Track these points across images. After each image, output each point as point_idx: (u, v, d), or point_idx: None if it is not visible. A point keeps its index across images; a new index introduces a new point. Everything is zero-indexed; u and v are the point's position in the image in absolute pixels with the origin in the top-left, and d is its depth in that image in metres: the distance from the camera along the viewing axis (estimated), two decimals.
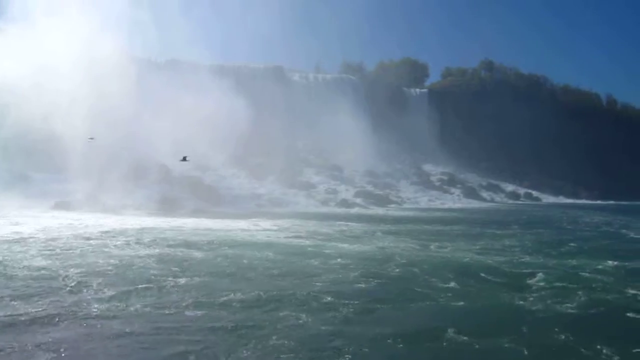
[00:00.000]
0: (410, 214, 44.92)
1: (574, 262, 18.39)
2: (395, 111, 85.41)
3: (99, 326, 9.93)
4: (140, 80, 49.58)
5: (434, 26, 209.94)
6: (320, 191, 57.11)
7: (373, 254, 19.58)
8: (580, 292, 13.42)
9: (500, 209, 55.71)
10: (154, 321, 10.32)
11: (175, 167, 49.10)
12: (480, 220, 38.09)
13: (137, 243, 20.79)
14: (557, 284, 14.50)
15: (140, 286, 13.05)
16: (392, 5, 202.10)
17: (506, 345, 9.57)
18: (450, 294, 13.15)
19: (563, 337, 9.97)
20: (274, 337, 9.52)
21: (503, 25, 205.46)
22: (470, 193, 71.76)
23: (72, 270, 14.71)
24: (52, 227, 25.68)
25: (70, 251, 18.21)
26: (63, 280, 13.56)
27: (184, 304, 11.50)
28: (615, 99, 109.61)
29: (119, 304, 11.34)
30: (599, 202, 76.73)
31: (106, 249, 18.97)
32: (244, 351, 8.94)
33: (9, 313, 10.46)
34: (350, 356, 8.88)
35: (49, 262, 15.96)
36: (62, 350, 8.76)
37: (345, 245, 21.44)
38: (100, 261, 16.30)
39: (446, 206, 59.70)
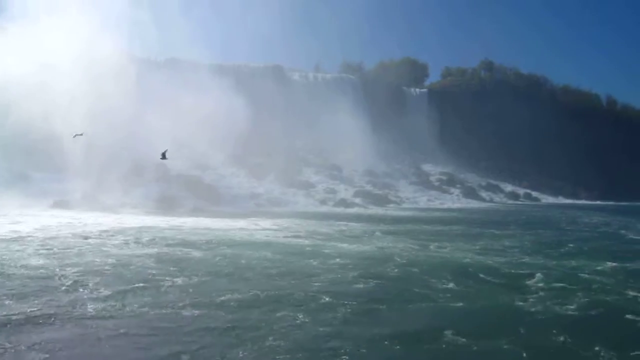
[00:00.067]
0: (409, 214, 44.88)
1: (573, 263, 18.34)
2: (394, 111, 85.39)
3: (94, 326, 9.86)
4: (139, 79, 49.55)
5: (434, 26, 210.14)
6: (319, 191, 57.08)
7: (372, 254, 19.53)
8: (579, 294, 13.37)
9: (499, 209, 55.69)
10: (149, 321, 10.26)
11: (174, 166, 49.05)
12: (480, 221, 38.06)
13: (135, 242, 20.76)
14: (556, 285, 14.46)
15: (137, 286, 12.98)
16: (391, 5, 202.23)
17: (505, 347, 9.51)
18: (449, 295, 13.09)
19: (562, 339, 9.91)
20: (270, 338, 9.45)
21: (503, 25, 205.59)
22: (470, 193, 71.72)
23: (69, 269, 14.65)
24: (50, 226, 25.65)
25: (68, 250, 18.16)
26: (59, 279, 13.50)
27: (180, 304, 11.43)
28: (615, 99, 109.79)
29: (115, 304, 11.27)
30: (598, 202, 76.75)
31: (104, 248, 18.92)
32: (240, 352, 8.87)
33: (3, 313, 10.38)
34: (347, 357, 8.81)
35: (46, 261, 15.91)
36: (55, 350, 8.68)
37: (344, 245, 21.39)
38: (98, 260, 16.25)
39: (445, 206, 59.67)
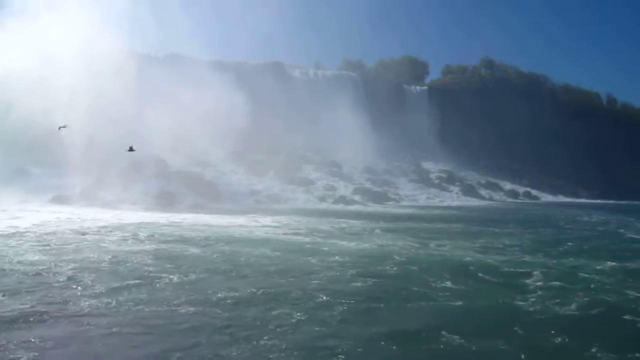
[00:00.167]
0: (409, 211, 44.83)
1: (572, 262, 18.27)
2: (395, 108, 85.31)
3: (86, 324, 9.75)
4: (139, 75, 49.47)
5: (435, 24, 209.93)
6: (318, 187, 57.04)
7: (371, 251, 19.45)
8: (578, 293, 13.29)
9: (499, 208, 55.62)
10: (143, 319, 10.16)
11: (173, 162, 49.03)
12: (479, 219, 38.00)
13: (133, 238, 20.71)
14: (556, 284, 14.37)
15: (132, 283, 12.88)
16: (392, 3, 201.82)
17: (503, 347, 9.42)
18: (448, 294, 13.00)
19: (560, 339, 9.81)
20: (265, 337, 9.34)
21: (503, 24, 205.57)
22: (469, 191, 71.64)
23: (64, 265, 14.57)
24: (49, 221, 25.64)
25: (65, 246, 18.11)
26: (54, 275, 13.41)
27: (176, 302, 11.32)
28: (615, 98, 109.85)
29: (109, 301, 11.16)
30: (598, 201, 76.65)
31: (102, 244, 18.87)
32: (234, 351, 8.76)
33: None
34: (343, 356, 8.71)
35: (43, 257, 15.84)
36: (47, 348, 8.58)
37: (344, 243, 21.31)
38: (95, 256, 16.17)
39: (445, 204, 59.62)
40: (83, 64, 42.85)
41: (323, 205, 48.22)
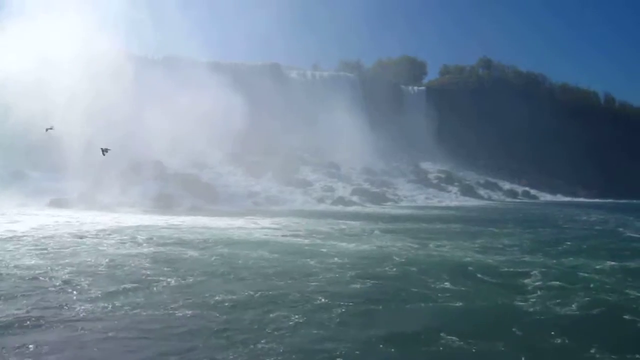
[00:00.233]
0: (408, 212, 44.79)
1: (571, 261, 18.24)
2: (393, 109, 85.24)
3: (82, 328, 9.65)
4: (137, 77, 49.40)
5: (432, 24, 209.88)
6: (316, 189, 56.94)
7: (370, 253, 19.40)
8: (578, 293, 13.24)
9: (497, 207, 55.58)
10: (140, 323, 10.07)
11: (171, 164, 48.94)
12: (478, 219, 37.97)
13: (131, 241, 20.63)
14: (555, 284, 14.33)
15: (129, 286, 12.80)
16: (390, 3, 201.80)
17: (503, 349, 9.35)
18: (447, 295, 12.94)
19: (559, 340, 9.75)
20: (263, 340, 9.26)
21: (501, 23, 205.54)
22: (468, 191, 71.61)
23: (61, 269, 14.48)
24: (47, 225, 25.56)
25: (63, 250, 18.02)
26: (51, 279, 13.32)
27: (173, 305, 11.24)
28: (613, 97, 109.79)
29: (105, 305, 11.07)
30: (597, 200, 76.65)
31: (99, 248, 18.78)
32: (230, 354, 8.68)
33: None
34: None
35: (40, 261, 15.76)
36: (41, 354, 8.49)
37: (343, 244, 21.25)
38: (92, 260, 16.08)
39: (443, 204, 59.54)
40: (80, 66, 42.75)
41: (321, 207, 48.16)
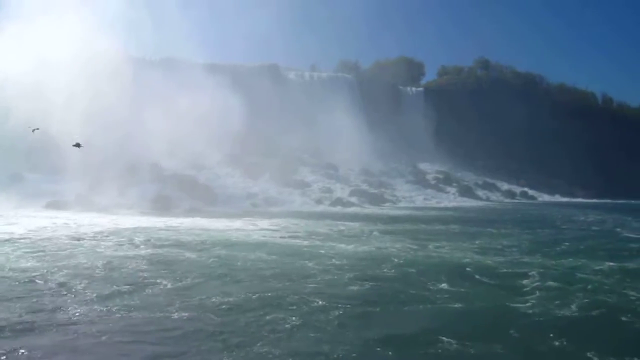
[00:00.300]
0: (406, 212, 44.73)
1: (570, 262, 18.18)
2: (391, 110, 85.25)
3: (75, 332, 9.54)
4: (135, 78, 49.41)
5: (430, 24, 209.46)
6: (315, 190, 56.88)
7: (369, 254, 19.33)
8: (576, 294, 13.20)
9: (496, 208, 55.56)
10: (134, 326, 9.97)
11: (169, 166, 48.90)
12: (477, 220, 37.94)
13: (129, 243, 20.56)
14: (554, 285, 14.27)
15: (125, 289, 12.72)
16: (388, 4, 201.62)
17: (501, 351, 9.29)
18: (446, 296, 12.88)
19: (558, 342, 9.68)
20: (258, 344, 9.17)
21: (499, 23, 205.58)
22: (466, 192, 71.61)
23: (58, 272, 14.38)
24: (44, 227, 25.49)
25: (60, 252, 17.94)
26: (46, 282, 13.22)
27: (168, 308, 11.15)
28: (611, 97, 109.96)
29: (100, 308, 10.98)
30: (595, 200, 76.69)
31: (96, 250, 18.71)
32: (225, 358, 8.60)
33: None
34: None
35: (36, 263, 15.67)
36: (33, 359, 8.39)
37: (341, 246, 21.16)
38: (89, 262, 15.99)
39: (442, 205, 59.51)
40: (78, 67, 42.75)
41: (320, 208, 48.10)
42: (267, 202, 48.15)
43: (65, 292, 12.30)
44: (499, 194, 76.09)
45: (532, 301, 12.54)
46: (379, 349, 9.23)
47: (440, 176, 76.54)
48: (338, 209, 47.86)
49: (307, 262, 17.08)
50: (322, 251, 19.53)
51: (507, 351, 9.33)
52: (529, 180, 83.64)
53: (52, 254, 17.40)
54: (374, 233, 26.45)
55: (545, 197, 79.03)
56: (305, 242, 22.13)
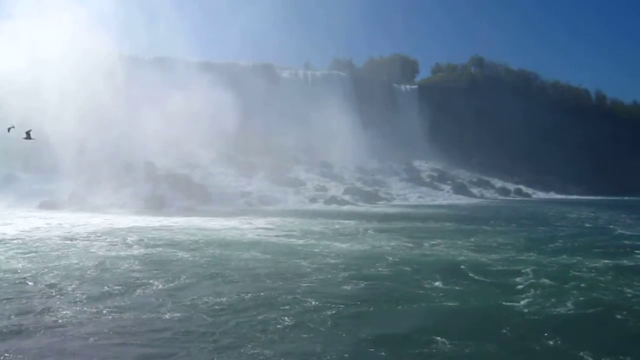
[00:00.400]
0: (401, 210, 44.66)
1: (564, 260, 18.15)
2: (385, 107, 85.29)
3: (63, 334, 9.39)
4: (129, 77, 49.28)
5: (424, 22, 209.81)
6: (309, 188, 56.81)
7: (364, 252, 19.27)
8: (571, 292, 13.16)
9: (490, 206, 55.57)
10: (124, 327, 9.84)
11: (163, 165, 48.72)
12: (471, 217, 37.92)
13: (122, 243, 20.43)
14: (549, 282, 14.21)
15: (116, 289, 12.58)
16: (382, 2, 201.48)
17: (494, 351, 9.19)
18: (441, 294, 12.80)
19: (552, 341, 9.60)
20: (250, 344, 9.05)
21: (493, 21, 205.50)
22: (461, 189, 71.65)
23: (48, 273, 14.25)
24: (38, 227, 25.37)
25: (52, 253, 17.78)
26: (36, 284, 13.07)
27: (159, 308, 11.03)
28: (604, 95, 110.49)
29: (90, 310, 10.84)
30: (588, 197, 76.92)
31: (89, 250, 18.57)
32: (215, 359, 8.51)
33: None
34: None
35: (28, 264, 15.50)
36: None
37: (336, 244, 21.10)
38: (80, 263, 15.84)
39: (436, 203, 59.50)
40: (72, 67, 42.58)
41: (314, 206, 48.01)
42: (261, 201, 48.04)
43: (55, 294, 12.16)
44: (493, 192, 76.20)
45: (527, 299, 12.49)
46: (372, 349, 9.12)
47: (435, 174, 76.59)
48: (332, 207, 47.79)
49: (301, 261, 16.99)
50: (317, 250, 19.46)
51: (502, 350, 9.26)
52: (523, 177, 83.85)
53: (44, 255, 17.23)
54: (369, 231, 26.38)
55: (539, 194, 79.22)
56: (300, 241, 22.03)
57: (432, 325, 10.45)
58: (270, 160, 59.30)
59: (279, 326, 10.09)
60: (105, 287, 12.76)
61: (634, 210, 49.00)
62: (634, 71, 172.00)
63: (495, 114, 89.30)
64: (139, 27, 64.42)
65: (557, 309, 11.74)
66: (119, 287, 12.84)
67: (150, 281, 13.49)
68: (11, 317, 10.24)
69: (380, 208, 48.25)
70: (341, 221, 31.70)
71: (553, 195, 79.57)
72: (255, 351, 8.79)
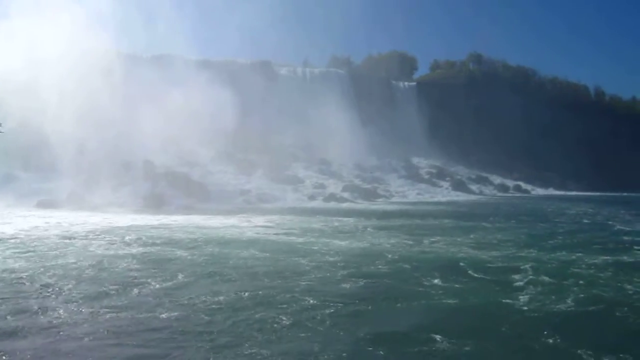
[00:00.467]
0: (400, 207, 44.62)
1: (564, 256, 18.12)
2: (384, 104, 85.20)
3: (58, 334, 9.30)
4: (127, 75, 49.28)
5: (422, 18, 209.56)
6: (307, 186, 56.74)
7: (363, 250, 19.19)
8: (571, 289, 13.12)
9: (489, 202, 55.52)
10: (120, 327, 9.75)
11: (162, 163, 48.64)
12: (470, 214, 37.90)
13: (120, 242, 20.34)
14: (549, 279, 14.16)
15: (113, 288, 12.50)
16: None
17: (494, 348, 9.14)
18: (441, 292, 12.72)
19: (552, 339, 9.53)
20: (247, 344, 8.98)
21: (491, 17, 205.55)
22: (459, 186, 71.62)
23: (46, 272, 14.15)
24: (36, 226, 25.25)
25: (50, 252, 17.68)
26: (33, 283, 12.97)
27: (156, 308, 10.94)
28: (603, 90, 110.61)
29: (86, 309, 10.74)
30: (587, 193, 77.02)
31: (87, 249, 18.47)
32: (211, 359, 8.41)
33: None
34: None
35: (25, 263, 15.41)
36: None
37: (336, 242, 21.02)
38: (78, 262, 15.75)
39: (435, 199, 59.43)
40: (70, 66, 42.55)
41: (313, 204, 47.92)
42: (260, 199, 47.96)
43: (51, 293, 12.08)
44: (492, 188, 76.17)
45: (527, 296, 12.44)
46: (370, 347, 9.06)
47: (434, 170, 76.58)
48: (331, 204, 47.71)
49: (300, 259, 16.92)
50: (316, 248, 19.39)
51: (501, 348, 9.21)
52: (522, 173, 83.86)
53: (41, 254, 17.15)
54: (368, 229, 26.32)
55: (538, 191, 79.25)
56: (299, 239, 21.97)
57: (431, 323, 10.39)
58: (269, 158, 59.27)
59: (276, 325, 10.01)
60: (103, 287, 12.67)
61: (633, 206, 49.06)
62: (632, 67, 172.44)
63: (493, 110, 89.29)
64: (136, 25, 64.38)
65: (557, 306, 11.70)
66: (116, 286, 12.76)
67: (148, 280, 13.41)
68: (7, 317, 10.15)
69: (379, 205, 48.20)
70: (340, 218, 31.65)
71: (552, 192, 79.61)
72: (253, 350, 8.71)
